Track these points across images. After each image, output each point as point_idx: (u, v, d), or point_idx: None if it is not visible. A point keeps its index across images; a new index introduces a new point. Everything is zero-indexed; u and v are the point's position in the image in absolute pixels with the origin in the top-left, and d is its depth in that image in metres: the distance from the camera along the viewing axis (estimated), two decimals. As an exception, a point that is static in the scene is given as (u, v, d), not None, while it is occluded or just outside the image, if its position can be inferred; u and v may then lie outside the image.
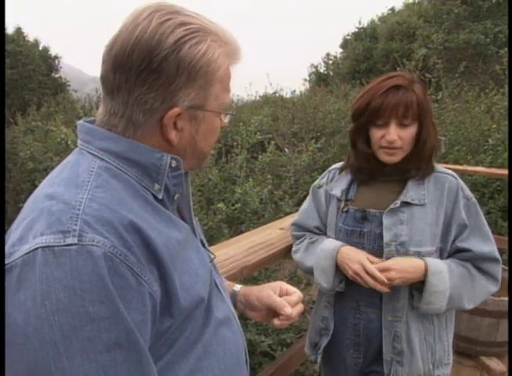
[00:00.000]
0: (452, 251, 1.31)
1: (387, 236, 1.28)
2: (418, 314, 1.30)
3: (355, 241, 1.34)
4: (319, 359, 1.49)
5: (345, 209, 1.37)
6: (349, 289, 1.37)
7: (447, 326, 1.36)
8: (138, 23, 0.65)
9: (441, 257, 1.31)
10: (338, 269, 1.34)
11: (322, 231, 1.48)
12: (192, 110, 0.69)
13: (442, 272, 1.24)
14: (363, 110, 1.27)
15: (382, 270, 1.23)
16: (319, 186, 1.47)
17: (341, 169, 1.45)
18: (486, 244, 1.30)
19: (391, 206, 1.29)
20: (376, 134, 1.27)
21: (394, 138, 1.24)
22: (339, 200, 1.39)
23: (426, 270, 1.23)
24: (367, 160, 1.34)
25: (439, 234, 1.29)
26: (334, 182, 1.44)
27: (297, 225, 1.54)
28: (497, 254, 1.31)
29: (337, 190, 1.40)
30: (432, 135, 1.29)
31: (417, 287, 1.27)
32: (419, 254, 1.26)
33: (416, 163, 1.29)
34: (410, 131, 1.25)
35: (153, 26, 0.64)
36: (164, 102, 0.66)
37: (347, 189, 1.39)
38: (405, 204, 1.29)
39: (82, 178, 0.64)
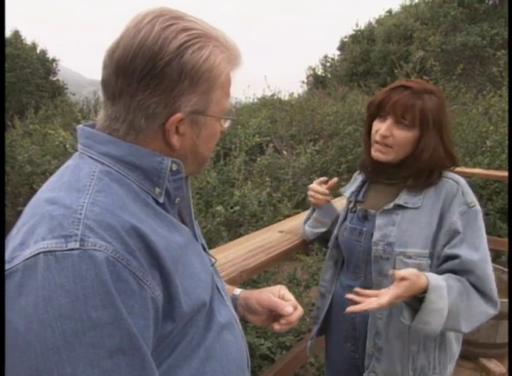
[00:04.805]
0: (441, 260, 1.26)
1: (376, 236, 1.31)
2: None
3: (354, 239, 1.39)
4: (308, 344, 1.61)
5: (353, 209, 1.43)
6: (349, 281, 1.42)
7: (436, 338, 1.29)
8: (141, 27, 0.65)
9: (431, 262, 1.27)
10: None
11: None
12: (194, 115, 0.69)
13: (442, 289, 1.15)
14: (372, 102, 1.33)
15: (400, 279, 1.12)
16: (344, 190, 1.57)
17: (359, 172, 1.52)
18: (476, 253, 1.21)
19: (384, 207, 1.32)
20: (375, 127, 1.31)
21: (385, 133, 1.26)
22: (349, 201, 1.46)
23: (425, 287, 1.13)
24: (366, 153, 1.37)
25: (431, 237, 1.26)
26: (349, 184, 1.53)
27: None
28: (488, 269, 1.22)
29: (348, 192, 1.49)
30: (436, 149, 1.26)
31: (409, 302, 1.18)
32: (404, 255, 1.26)
33: (412, 172, 1.28)
34: (406, 135, 1.26)
35: (156, 31, 0.64)
36: (167, 107, 0.66)
37: (358, 191, 1.45)
38: (399, 206, 1.30)
39: (83, 183, 0.64)
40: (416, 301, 1.16)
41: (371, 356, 1.35)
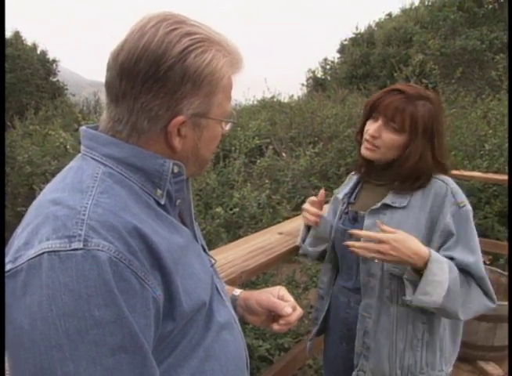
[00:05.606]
0: None
1: None
2: (391, 318, 1.30)
3: (346, 240, 1.38)
4: (308, 345, 1.62)
5: (345, 211, 1.44)
6: (343, 282, 1.43)
7: (423, 337, 1.30)
8: (146, 31, 0.66)
9: None
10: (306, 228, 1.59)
11: None
12: (196, 117, 0.70)
13: (443, 263, 1.18)
14: (368, 102, 1.35)
15: (378, 241, 1.18)
16: (338, 192, 1.57)
17: (354, 173, 1.53)
18: (471, 256, 1.23)
19: (372, 207, 1.33)
20: (367, 126, 1.34)
21: (374, 133, 1.29)
22: (343, 202, 1.46)
23: (427, 258, 1.17)
24: (358, 150, 1.40)
25: (421, 238, 1.26)
26: (343, 185, 1.54)
27: None
28: (482, 270, 1.24)
29: (341, 194, 1.49)
30: (424, 156, 1.27)
31: (410, 278, 1.21)
32: None
33: (398, 175, 1.30)
34: (394, 138, 1.27)
35: (160, 35, 0.65)
36: (169, 109, 0.67)
37: (351, 193, 1.46)
38: (387, 206, 1.31)
39: (86, 184, 0.65)
40: (418, 277, 1.19)
41: (359, 354, 1.37)
